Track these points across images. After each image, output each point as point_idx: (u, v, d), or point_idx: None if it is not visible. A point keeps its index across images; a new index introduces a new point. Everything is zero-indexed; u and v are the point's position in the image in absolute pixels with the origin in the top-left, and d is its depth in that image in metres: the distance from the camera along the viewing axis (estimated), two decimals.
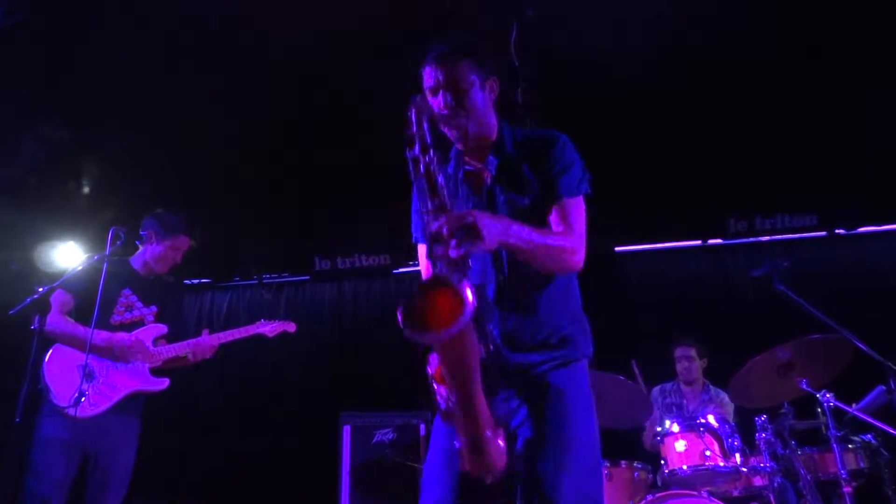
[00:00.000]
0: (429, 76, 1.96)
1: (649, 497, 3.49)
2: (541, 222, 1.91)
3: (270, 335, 3.84)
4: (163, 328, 3.49)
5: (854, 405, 3.43)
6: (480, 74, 1.97)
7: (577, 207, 1.94)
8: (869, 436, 3.52)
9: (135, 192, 5.15)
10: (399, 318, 1.51)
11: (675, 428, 3.64)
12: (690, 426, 3.60)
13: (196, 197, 5.21)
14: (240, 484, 5.66)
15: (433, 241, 1.61)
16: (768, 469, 3.46)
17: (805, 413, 3.71)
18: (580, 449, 1.78)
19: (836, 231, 5.74)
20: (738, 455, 3.48)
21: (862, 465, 3.49)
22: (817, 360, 3.50)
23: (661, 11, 4.19)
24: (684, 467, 3.51)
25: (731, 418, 4.22)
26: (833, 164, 5.17)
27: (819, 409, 3.47)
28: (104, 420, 3.23)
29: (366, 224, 5.82)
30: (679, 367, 4.60)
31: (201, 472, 5.74)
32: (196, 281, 6.67)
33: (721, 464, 3.46)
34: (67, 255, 4.65)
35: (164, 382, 3.41)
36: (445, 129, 1.93)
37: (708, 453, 3.47)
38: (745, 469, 3.47)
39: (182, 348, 3.45)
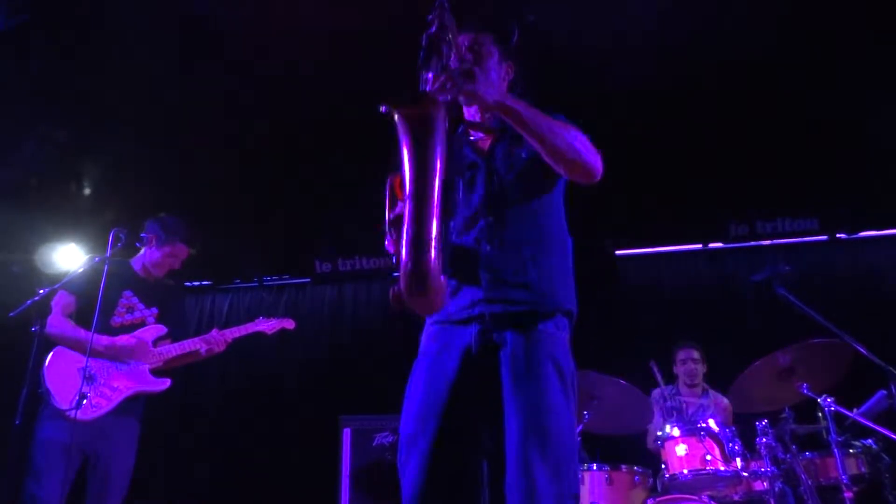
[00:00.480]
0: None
1: (650, 501, 3.48)
2: (539, 171, 1.85)
3: (269, 332, 3.85)
4: (163, 329, 3.49)
5: (855, 410, 3.42)
6: (501, 52, 1.98)
7: (580, 133, 1.84)
8: (870, 441, 3.51)
9: (136, 194, 5.16)
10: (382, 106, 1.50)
11: (676, 432, 3.63)
12: (691, 430, 3.59)
13: (197, 198, 5.22)
14: (239, 487, 5.65)
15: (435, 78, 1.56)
16: (769, 474, 3.45)
17: (806, 418, 3.71)
18: (560, 431, 1.68)
19: (838, 235, 5.73)
20: (738, 460, 3.47)
21: (863, 470, 3.48)
22: (818, 364, 3.50)
23: (662, 15, 4.20)
24: (685, 472, 3.50)
25: (729, 422, 4.21)
26: (834, 168, 5.17)
27: (820, 414, 3.46)
28: (104, 422, 3.22)
29: (367, 226, 5.81)
30: (682, 369, 4.58)
31: (201, 474, 5.73)
32: (197, 283, 6.67)
33: (722, 468, 3.45)
34: (68, 257, 4.65)
35: (165, 383, 3.41)
36: (455, 87, 1.77)
37: (709, 458, 3.46)
38: (745, 474, 3.46)
39: (186, 346, 3.46)
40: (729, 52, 4.44)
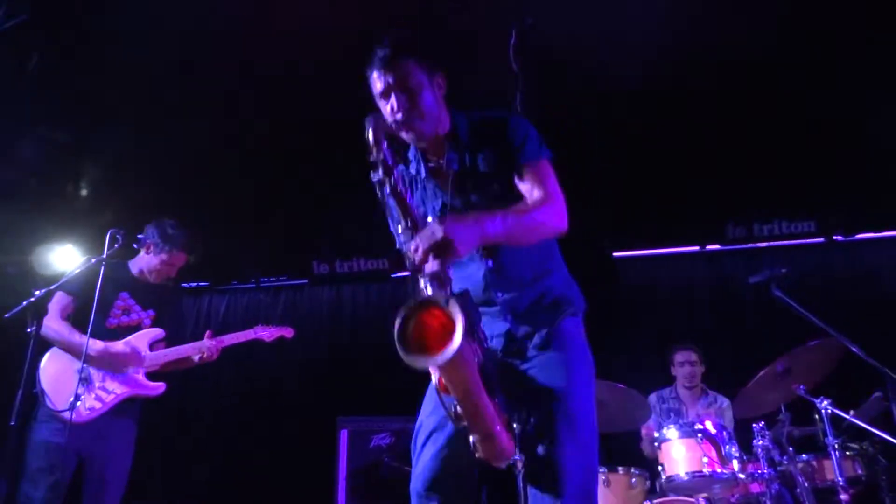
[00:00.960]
0: (378, 80, 1.97)
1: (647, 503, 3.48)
2: (514, 199, 1.94)
3: (268, 340, 3.84)
4: (160, 332, 3.48)
5: (852, 412, 3.43)
6: (428, 72, 1.97)
7: (546, 169, 1.97)
8: (866, 443, 3.52)
9: (133, 195, 5.15)
10: (396, 341, 1.56)
11: (673, 434, 3.63)
12: (688, 432, 3.60)
13: (195, 199, 5.21)
14: (237, 488, 5.64)
15: (413, 268, 1.68)
16: (766, 476, 3.45)
17: (803, 420, 3.71)
18: (583, 423, 1.86)
19: (834, 237, 5.74)
20: (735, 462, 3.48)
21: (859, 472, 3.49)
22: (816, 367, 3.51)
23: (660, 16, 4.20)
24: (682, 474, 3.50)
25: (730, 424, 4.22)
26: (831, 170, 5.18)
27: (817, 416, 3.47)
28: (100, 424, 3.22)
29: (364, 228, 5.81)
30: (681, 371, 4.59)
31: (198, 476, 5.72)
32: (194, 284, 6.65)
33: (719, 470, 3.46)
34: (65, 258, 4.63)
35: (161, 387, 3.40)
36: (403, 134, 1.95)
37: (706, 460, 3.46)
38: (742, 476, 3.47)
39: (181, 352, 3.44)
40: (727, 54, 4.44)
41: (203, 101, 4.77)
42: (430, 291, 1.64)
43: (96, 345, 3.20)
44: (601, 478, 3.62)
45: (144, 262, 3.55)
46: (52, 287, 2.98)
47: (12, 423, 2.57)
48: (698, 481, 3.50)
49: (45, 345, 3.22)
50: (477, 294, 1.94)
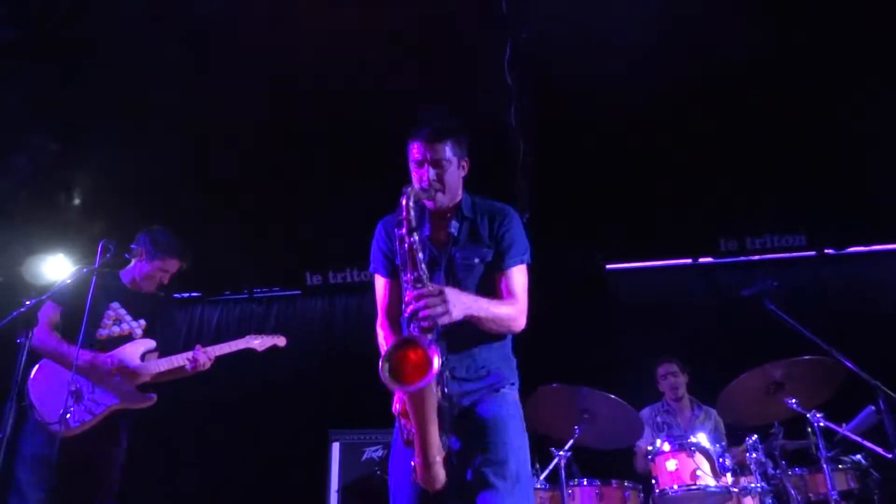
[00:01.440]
0: (417, 151, 2.35)
1: None
2: (488, 278, 2.36)
3: (260, 350, 3.80)
4: (151, 343, 3.45)
5: (844, 426, 3.44)
6: (458, 155, 2.38)
7: (521, 276, 2.37)
8: (859, 456, 3.52)
9: (125, 205, 5.13)
10: (380, 367, 1.93)
11: (666, 447, 3.63)
12: (681, 445, 3.59)
13: (187, 210, 5.20)
14: (227, 500, 5.59)
15: (411, 318, 2.04)
16: (759, 490, 3.45)
17: (795, 433, 3.71)
18: (517, 461, 2.18)
19: (826, 251, 5.79)
20: (728, 475, 3.48)
21: (852, 485, 3.49)
22: (808, 380, 3.51)
23: (655, 32, 4.25)
24: (675, 487, 3.50)
25: (723, 438, 4.22)
26: (823, 184, 5.23)
27: (809, 430, 3.47)
28: (90, 436, 3.18)
29: (358, 239, 5.81)
30: (665, 384, 4.61)
31: (189, 488, 5.66)
32: (186, 295, 6.62)
33: (712, 484, 3.45)
34: (56, 268, 4.60)
35: (151, 399, 3.37)
36: (424, 199, 2.33)
37: (699, 473, 3.46)
38: (735, 489, 3.47)
39: (172, 362, 3.41)
40: (721, 69, 4.50)
41: (196, 112, 4.78)
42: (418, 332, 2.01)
43: (85, 356, 3.16)
44: (595, 491, 3.61)
45: (137, 270, 3.52)
46: (43, 297, 2.95)
47: (1, 435, 2.53)
48: (691, 495, 3.49)
49: (34, 356, 3.19)
50: None
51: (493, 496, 2.06)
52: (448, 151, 2.34)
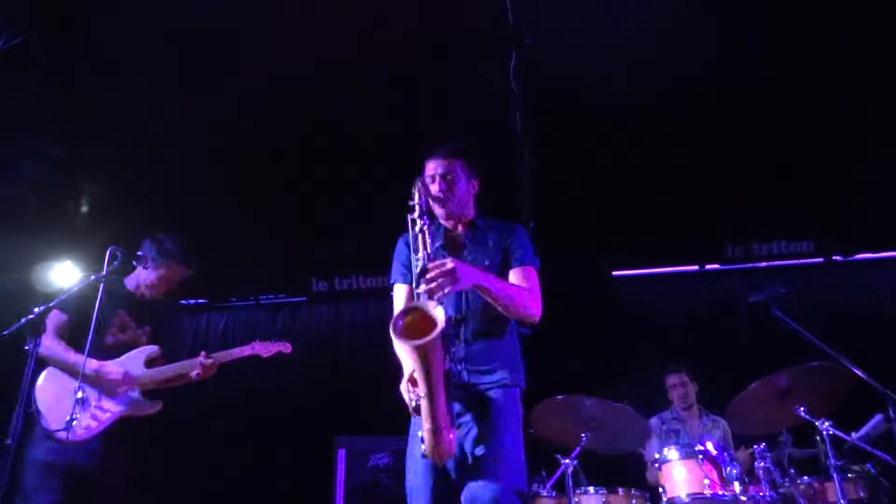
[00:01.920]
0: (431, 167, 2.57)
1: None
2: (500, 277, 2.43)
3: (266, 356, 3.80)
4: (156, 349, 3.45)
5: (853, 434, 3.41)
6: (467, 174, 2.60)
7: (532, 273, 2.51)
8: (868, 465, 3.49)
9: (132, 212, 5.15)
10: (390, 328, 2.01)
11: (674, 455, 3.60)
12: (689, 453, 3.57)
13: (193, 217, 5.22)
14: None
15: (420, 275, 2.16)
16: (767, 498, 3.41)
17: (804, 441, 3.68)
18: (507, 448, 2.28)
19: (833, 258, 5.76)
20: (737, 484, 3.44)
21: (862, 494, 3.45)
22: (816, 388, 3.48)
23: (660, 39, 4.25)
24: (683, 495, 3.47)
25: (731, 447, 4.19)
26: (830, 191, 5.21)
27: (818, 438, 3.43)
28: (96, 443, 3.19)
29: (363, 245, 5.83)
30: (674, 393, 4.59)
31: (194, 495, 5.66)
32: (192, 301, 6.64)
33: (720, 492, 3.42)
34: (64, 274, 4.63)
35: (157, 405, 3.37)
36: (435, 207, 2.51)
37: (706, 481, 3.43)
38: (744, 498, 3.43)
39: (178, 369, 3.41)
40: (726, 75, 4.49)
41: (200, 120, 4.80)
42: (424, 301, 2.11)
43: (91, 364, 3.17)
44: (602, 499, 3.59)
45: (143, 277, 3.53)
46: (50, 305, 2.96)
47: (9, 441, 2.54)
48: (699, 503, 3.46)
49: (41, 363, 3.20)
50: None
51: (488, 471, 2.18)
52: (458, 168, 2.56)
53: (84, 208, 5.34)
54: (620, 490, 3.64)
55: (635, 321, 5.79)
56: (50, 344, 3.20)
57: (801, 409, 3.45)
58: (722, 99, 4.67)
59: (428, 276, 2.13)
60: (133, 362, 3.37)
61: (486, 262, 2.49)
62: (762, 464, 3.47)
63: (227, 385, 5.76)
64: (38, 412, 3.13)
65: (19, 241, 4.84)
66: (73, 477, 3.12)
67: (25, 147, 4.79)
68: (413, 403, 2.15)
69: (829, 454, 3.30)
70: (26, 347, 2.74)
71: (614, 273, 6.07)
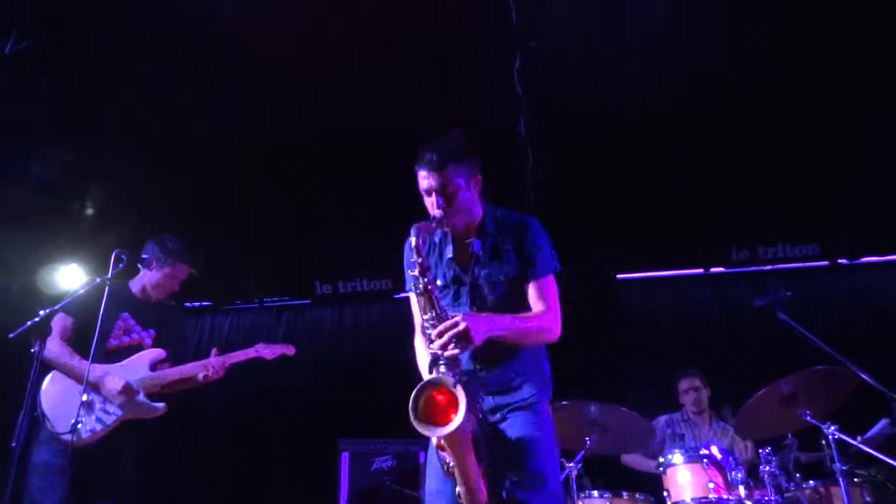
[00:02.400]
0: (423, 179, 2.31)
1: None
2: (516, 293, 2.32)
3: (270, 358, 3.82)
4: (161, 352, 3.46)
5: (859, 438, 3.39)
6: (466, 175, 2.32)
7: (550, 285, 2.35)
8: (874, 469, 3.47)
9: (137, 215, 5.17)
10: (410, 411, 1.96)
11: (679, 459, 3.59)
12: (694, 457, 3.56)
13: (198, 219, 5.23)
14: None
15: (434, 340, 2.07)
16: (773, 503, 3.40)
17: (809, 446, 3.67)
18: (547, 478, 2.17)
19: (839, 261, 5.73)
20: (742, 488, 3.43)
21: (868, 499, 3.43)
22: (822, 392, 3.47)
23: (667, 42, 4.25)
24: (687, 499, 3.46)
25: (743, 452, 4.18)
26: (836, 194, 5.19)
27: (824, 442, 3.42)
28: (101, 445, 3.19)
29: (367, 249, 5.83)
30: (687, 398, 4.58)
31: (198, 498, 5.66)
32: (197, 304, 6.65)
33: (725, 496, 3.41)
34: (69, 277, 4.63)
35: (162, 408, 3.37)
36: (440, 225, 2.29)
37: (711, 485, 3.42)
38: (749, 502, 3.42)
39: (184, 371, 3.42)
40: (730, 79, 4.49)
41: (205, 124, 4.81)
42: (444, 370, 2.06)
43: (95, 370, 3.18)
44: (605, 503, 3.58)
45: (147, 279, 3.54)
46: (55, 308, 2.98)
47: (14, 444, 2.55)
48: None
49: (47, 366, 3.21)
50: (466, 366, 2.25)
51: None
52: (454, 176, 2.27)
53: (90, 211, 5.36)
54: (625, 494, 3.64)
55: (639, 325, 5.77)
56: (55, 347, 3.21)
57: (807, 413, 3.43)
58: (727, 101, 4.66)
59: (441, 343, 2.05)
60: (138, 365, 3.37)
61: (502, 277, 2.33)
62: (767, 468, 3.45)
63: (232, 388, 5.77)
64: (44, 415, 3.14)
65: (25, 244, 4.86)
66: (77, 479, 3.13)
67: (33, 150, 4.82)
68: (445, 467, 2.11)
69: (835, 458, 3.29)
70: (32, 350, 2.75)
71: (619, 276, 6.05)
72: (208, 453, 5.87)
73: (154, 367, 3.41)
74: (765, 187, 5.20)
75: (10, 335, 2.83)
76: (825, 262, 5.73)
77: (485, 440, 2.11)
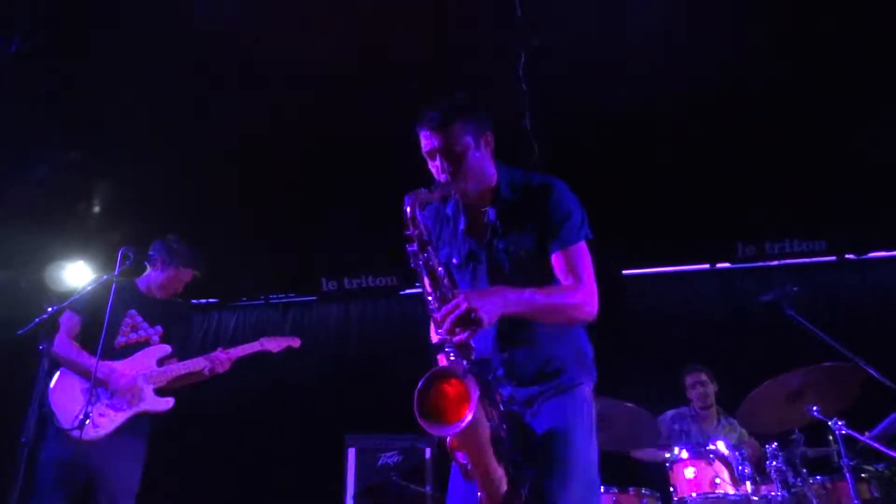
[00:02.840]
0: (425, 141, 2.01)
1: None
2: (542, 268, 1.98)
3: (276, 351, 3.84)
4: (168, 349, 3.49)
5: (867, 433, 3.38)
6: (475, 133, 2.02)
7: (582, 254, 1.99)
8: (882, 465, 3.46)
9: (144, 213, 5.19)
10: (415, 407, 1.68)
11: (685, 454, 3.59)
12: (700, 453, 3.55)
13: (204, 216, 5.25)
14: None
15: (437, 326, 1.77)
16: (779, 498, 3.39)
17: (816, 441, 3.66)
18: (579, 468, 1.88)
19: (846, 256, 5.70)
20: (748, 483, 3.43)
21: (875, 494, 3.42)
22: (829, 387, 3.46)
23: (671, 39, 4.23)
24: (693, 495, 3.46)
25: (750, 448, 4.17)
26: (842, 189, 5.16)
27: (831, 437, 3.41)
28: (109, 441, 3.21)
29: (373, 245, 5.84)
30: (693, 393, 4.57)
31: (205, 494, 5.69)
32: (203, 301, 6.68)
33: (731, 492, 3.41)
34: (77, 275, 4.67)
35: (169, 403, 3.40)
36: (445, 189, 2.00)
37: (718, 481, 3.42)
38: (755, 498, 3.41)
39: (190, 366, 3.44)
40: (735, 75, 4.46)
41: (210, 122, 4.82)
42: (453, 358, 1.77)
43: (103, 368, 3.20)
44: (612, 499, 3.58)
45: (152, 278, 3.58)
46: (63, 305, 3.00)
47: (23, 440, 2.57)
48: (710, 502, 3.44)
49: (55, 363, 3.23)
50: (487, 352, 1.98)
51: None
52: (462, 134, 1.97)
53: (97, 209, 5.38)
54: (631, 490, 3.63)
55: (645, 320, 5.76)
56: (63, 345, 3.24)
57: (814, 408, 3.42)
58: (733, 97, 4.64)
59: (444, 329, 1.72)
60: (145, 361, 3.40)
61: (524, 249, 1.99)
62: (774, 463, 3.45)
63: (238, 383, 5.80)
64: (52, 412, 3.16)
65: (33, 242, 4.89)
66: (85, 475, 3.15)
67: (39, 149, 4.84)
68: (464, 470, 1.85)
69: (842, 454, 3.27)
70: (40, 347, 2.77)
71: (624, 272, 6.04)
72: (215, 449, 5.90)
73: (161, 362, 3.44)
74: (771, 183, 5.18)
75: (19, 332, 2.85)
76: (832, 258, 5.70)
77: (509, 436, 1.83)
